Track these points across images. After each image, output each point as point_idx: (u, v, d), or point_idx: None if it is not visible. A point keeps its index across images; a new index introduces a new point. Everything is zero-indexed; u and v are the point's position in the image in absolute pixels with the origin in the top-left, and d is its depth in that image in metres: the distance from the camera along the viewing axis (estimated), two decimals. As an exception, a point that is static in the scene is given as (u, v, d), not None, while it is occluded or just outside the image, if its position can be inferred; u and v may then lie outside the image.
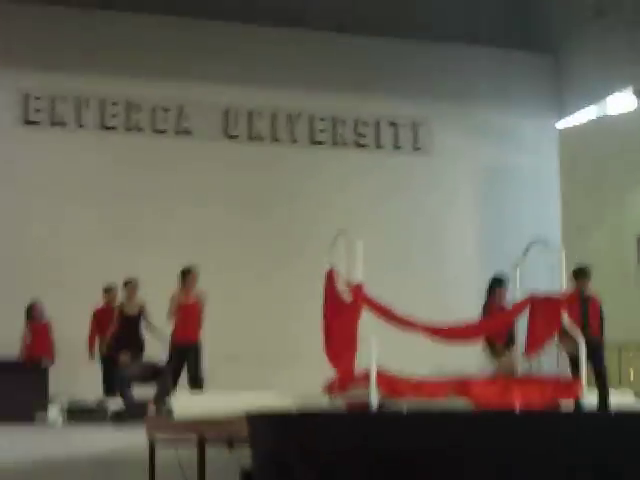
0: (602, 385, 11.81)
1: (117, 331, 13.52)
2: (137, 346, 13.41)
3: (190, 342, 12.73)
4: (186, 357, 12.61)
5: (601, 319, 12.35)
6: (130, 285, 13.71)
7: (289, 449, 5.47)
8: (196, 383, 12.36)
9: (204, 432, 6.69)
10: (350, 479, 5.49)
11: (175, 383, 11.99)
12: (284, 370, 12.04)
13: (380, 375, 9.08)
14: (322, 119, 18.19)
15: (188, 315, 12.79)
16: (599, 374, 11.91)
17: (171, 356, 12.60)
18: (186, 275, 12.94)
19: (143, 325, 13.52)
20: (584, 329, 11.55)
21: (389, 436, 5.70)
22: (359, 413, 7.69)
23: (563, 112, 19.48)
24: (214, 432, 6.65)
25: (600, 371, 11.93)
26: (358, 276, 9.74)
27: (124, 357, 13.03)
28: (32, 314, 14.16)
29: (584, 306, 11.95)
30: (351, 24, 18.02)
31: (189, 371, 12.56)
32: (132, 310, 13.61)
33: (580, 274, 12.16)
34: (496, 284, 11.89)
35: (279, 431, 5.55)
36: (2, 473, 8.28)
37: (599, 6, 18.04)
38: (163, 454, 7.46)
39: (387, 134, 18.55)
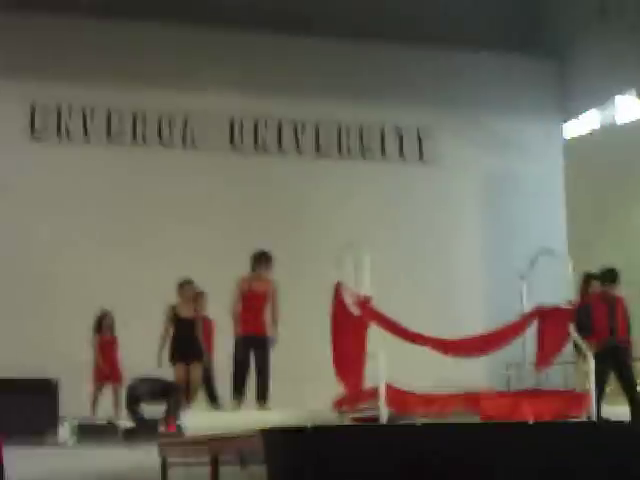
0: (631, 396, 11.46)
1: (172, 335, 12.89)
2: (195, 351, 12.82)
3: (256, 334, 11.63)
4: (254, 352, 11.51)
5: (628, 322, 11.91)
6: (187, 287, 13.09)
7: (304, 464, 5.61)
8: (263, 387, 11.38)
9: (217, 449, 6.78)
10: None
11: (243, 381, 11.32)
12: (299, 385, 11.93)
13: (389, 390, 9.20)
14: (327, 127, 18.40)
15: (255, 304, 11.72)
16: (626, 384, 11.57)
17: (237, 351, 11.52)
18: (259, 259, 11.81)
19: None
20: (612, 334, 11.66)
21: (402, 448, 5.85)
22: (372, 426, 7.81)
23: (568, 117, 19.66)
24: (227, 449, 6.74)
25: (627, 381, 11.59)
26: (366, 289, 9.86)
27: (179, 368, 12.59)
28: (102, 325, 13.55)
29: (611, 309, 11.74)
30: (355, 30, 18.11)
31: (262, 372, 11.49)
32: (187, 313, 13.00)
33: (606, 277, 11.87)
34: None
35: (294, 446, 5.67)
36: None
37: (602, 9, 18.22)
38: (175, 473, 7.56)
39: (392, 143, 18.73)
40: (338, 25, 18.14)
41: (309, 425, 5.95)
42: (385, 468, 5.78)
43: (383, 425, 8.14)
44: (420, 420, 8.38)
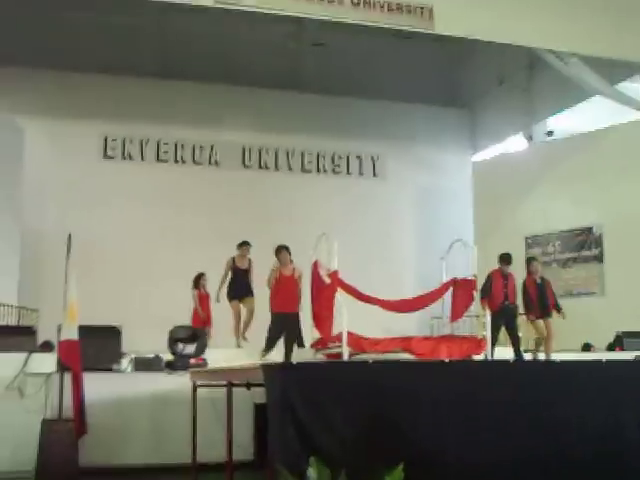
0: (515, 342, 11.52)
1: (230, 279, 12.38)
2: (247, 291, 12.36)
3: (288, 311, 10.83)
4: (285, 325, 10.73)
5: (516, 291, 11.92)
6: (244, 246, 12.52)
7: (290, 387, 5.53)
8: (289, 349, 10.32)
9: (231, 378, 6.69)
10: (332, 408, 5.55)
11: (271, 347, 10.65)
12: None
13: (349, 335, 9.14)
14: (310, 153, 18.35)
15: (286, 287, 10.95)
16: (511, 334, 11.62)
17: (272, 323, 10.82)
18: (278, 252, 11.02)
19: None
20: (506, 299, 11.60)
21: (357, 377, 5.78)
22: (338, 362, 7.73)
23: (476, 150, 19.77)
24: (237, 377, 6.65)
25: (512, 332, 11.63)
26: (334, 265, 9.80)
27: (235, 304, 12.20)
28: (199, 283, 12.78)
29: (505, 281, 11.67)
30: (330, 89, 17.97)
31: (290, 339, 10.61)
32: (243, 264, 12.43)
33: (503, 259, 11.83)
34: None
35: (283, 376, 5.60)
36: (89, 406, 8.37)
37: (501, 76, 18.33)
38: (201, 393, 7.47)
39: (354, 165, 18.70)
40: (317, 85, 17.93)
41: (294, 362, 5.90)
42: (345, 389, 5.71)
43: (344, 361, 8.08)
44: (371, 357, 8.34)
